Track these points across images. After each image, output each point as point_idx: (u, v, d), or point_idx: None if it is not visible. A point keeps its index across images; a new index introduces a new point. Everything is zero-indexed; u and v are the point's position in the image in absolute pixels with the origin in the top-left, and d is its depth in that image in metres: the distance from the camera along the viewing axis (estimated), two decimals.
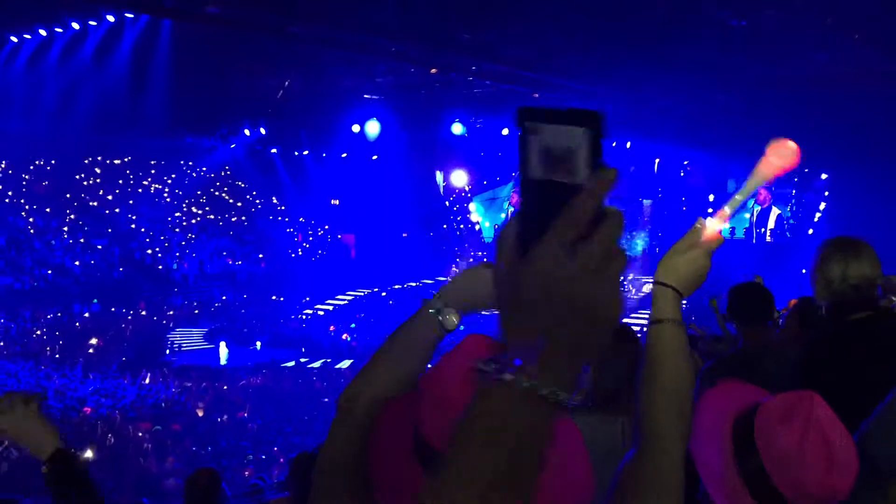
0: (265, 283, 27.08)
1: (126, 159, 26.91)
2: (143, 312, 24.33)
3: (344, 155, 26.76)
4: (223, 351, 21.98)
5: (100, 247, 25.15)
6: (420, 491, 0.71)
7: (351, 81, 19.57)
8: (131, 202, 26.89)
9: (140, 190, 27.43)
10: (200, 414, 17.49)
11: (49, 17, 16.97)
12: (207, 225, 28.28)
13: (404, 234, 28.94)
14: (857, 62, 15.25)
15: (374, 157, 26.44)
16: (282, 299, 26.75)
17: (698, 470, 1.48)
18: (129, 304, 24.03)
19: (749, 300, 3.67)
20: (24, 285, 22.83)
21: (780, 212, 26.45)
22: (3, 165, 24.69)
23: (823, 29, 13.73)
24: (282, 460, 13.73)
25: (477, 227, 30.63)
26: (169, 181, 27.89)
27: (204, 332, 24.36)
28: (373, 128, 21.68)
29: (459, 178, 29.19)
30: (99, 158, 26.50)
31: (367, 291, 27.92)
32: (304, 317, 26.47)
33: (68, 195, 25.67)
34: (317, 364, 22.39)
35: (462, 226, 30.77)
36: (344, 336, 24.72)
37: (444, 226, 30.62)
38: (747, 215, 25.81)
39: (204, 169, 27.58)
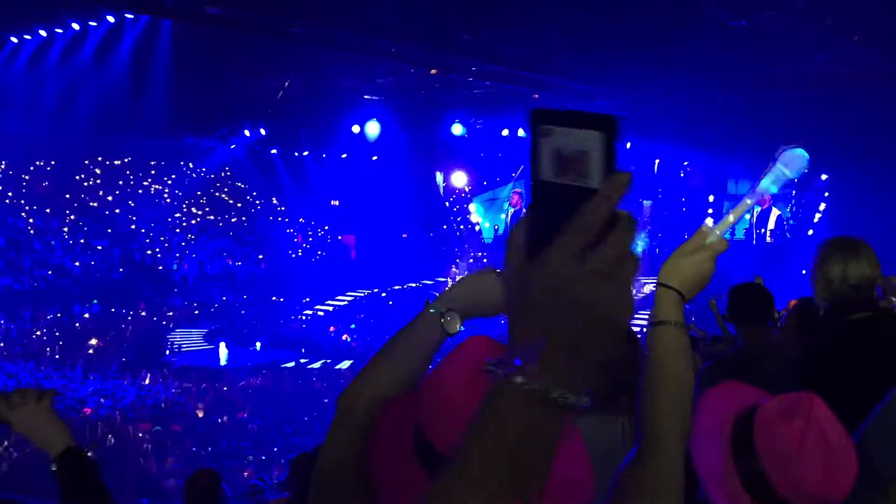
0: (265, 283, 27.07)
1: (126, 160, 26.90)
2: (143, 313, 24.33)
3: (344, 155, 26.75)
4: (223, 352, 21.98)
5: (100, 247, 25.15)
6: (424, 492, 0.71)
7: (351, 82, 19.56)
8: (131, 203, 26.89)
9: (140, 190, 27.43)
10: (200, 414, 17.49)
11: (49, 17, 16.97)
12: (207, 225, 28.27)
13: (404, 235, 28.94)
14: (857, 62, 15.25)
15: (374, 158, 26.44)
16: (282, 300, 26.75)
17: (697, 471, 1.48)
18: (129, 305, 24.03)
19: (749, 301, 3.67)
20: (23, 286, 22.82)
21: (779, 212, 26.45)
22: (2, 166, 24.69)
23: (823, 29, 13.73)
24: (282, 461, 13.73)
25: (477, 228, 30.63)
26: (169, 182, 27.88)
27: (204, 333, 24.35)
28: (373, 128, 21.67)
29: (459, 179, 29.19)
30: (99, 159, 26.50)
31: (366, 292, 27.92)
32: (303, 317, 26.46)
33: (68, 196, 25.67)
34: (317, 365, 22.39)
35: (462, 226, 30.76)
36: (344, 337, 24.72)
37: (444, 226, 30.62)
38: (747, 216, 25.81)
39: (204, 169, 27.57)
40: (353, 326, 25.42)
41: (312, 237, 29.86)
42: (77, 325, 22.82)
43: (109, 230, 25.83)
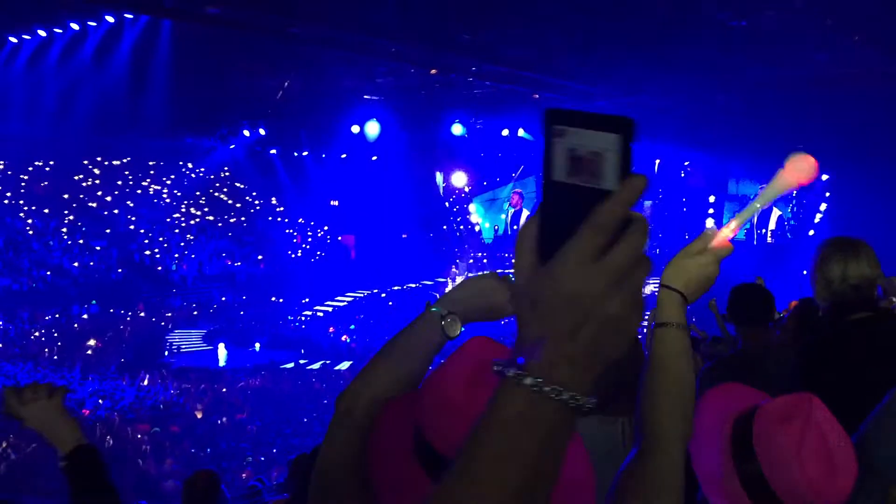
0: (264, 284, 27.06)
1: (125, 160, 26.87)
2: (142, 314, 24.32)
3: (344, 156, 26.74)
4: (222, 352, 21.97)
5: (98, 248, 25.12)
6: (427, 496, 0.70)
7: (351, 82, 19.57)
8: (130, 203, 26.86)
9: (139, 191, 27.40)
10: (199, 415, 17.49)
11: (48, 17, 16.97)
12: (206, 226, 28.25)
13: (404, 236, 28.93)
14: (857, 62, 15.26)
15: (374, 158, 26.43)
16: (281, 301, 26.75)
17: (696, 471, 1.48)
18: (127, 306, 24.01)
19: (750, 301, 3.66)
20: (22, 286, 22.80)
21: (780, 213, 26.44)
22: (1, 166, 24.68)
23: (823, 29, 13.74)
24: (281, 462, 13.73)
25: (477, 229, 30.62)
26: (168, 182, 27.86)
27: (203, 334, 24.34)
28: (372, 128, 21.67)
29: (459, 179, 29.19)
30: (98, 159, 26.47)
31: (366, 293, 27.91)
32: (303, 318, 26.46)
33: (67, 196, 25.65)
34: (316, 365, 22.39)
35: (462, 227, 30.76)
36: (343, 337, 24.72)
37: (444, 227, 30.61)
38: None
39: (203, 170, 27.55)
40: (352, 327, 25.42)
41: (312, 237, 29.85)
42: (76, 325, 22.80)
43: (108, 230, 25.81)
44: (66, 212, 25.43)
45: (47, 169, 25.59)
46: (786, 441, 1.39)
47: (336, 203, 29.41)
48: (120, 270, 25.05)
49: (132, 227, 26.61)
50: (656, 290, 1.40)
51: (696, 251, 1.40)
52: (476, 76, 18.30)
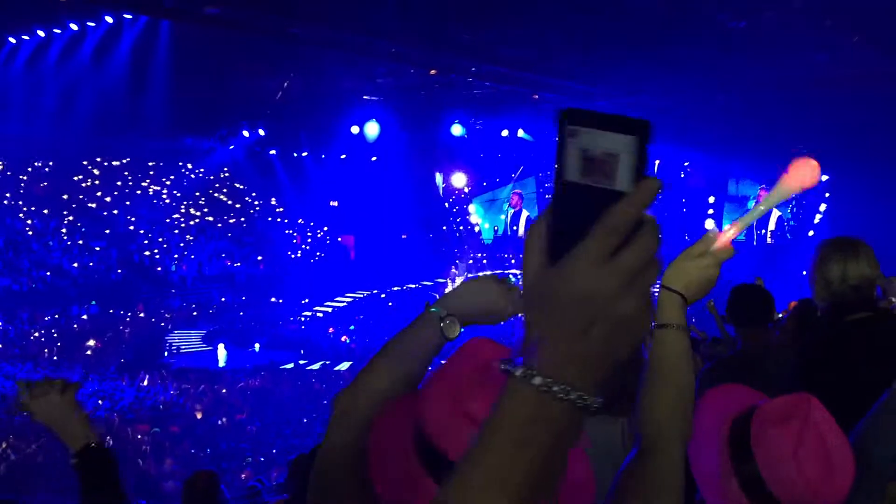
0: (264, 284, 27.05)
1: (124, 161, 26.86)
2: (142, 314, 24.30)
3: (343, 156, 26.73)
4: (222, 353, 21.96)
5: (98, 248, 25.11)
6: (436, 494, 0.70)
7: (350, 82, 19.56)
8: (130, 204, 26.85)
9: (139, 191, 27.38)
10: (199, 416, 17.48)
11: (47, 18, 16.96)
12: (206, 226, 28.24)
13: (403, 236, 28.91)
14: (857, 63, 15.25)
15: (374, 159, 26.42)
16: (281, 301, 26.73)
17: (694, 473, 1.48)
18: (127, 306, 23.99)
19: (749, 302, 3.66)
20: (21, 287, 22.79)
21: (780, 213, 26.42)
22: (1, 167, 24.67)
23: (823, 29, 13.74)
24: (281, 462, 13.73)
25: (476, 229, 30.60)
26: (168, 183, 27.84)
27: (202, 334, 24.32)
28: (372, 129, 21.66)
29: (459, 180, 29.16)
30: (97, 160, 26.46)
31: (366, 293, 27.89)
32: (303, 319, 26.44)
33: (66, 196, 25.63)
34: (316, 366, 22.38)
35: (461, 227, 30.73)
36: (343, 338, 24.71)
37: (444, 227, 30.59)
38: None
39: (203, 170, 27.53)
40: (352, 328, 25.41)
41: (311, 238, 29.83)
42: (75, 326, 22.79)
43: (108, 231, 25.80)
44: (65, 212, 25.42)
45: (47, 169, 25.59)
46: (783, 441, 1.39)
47: (336, 204, 29.39)
48: (119, 271, 25.04)
49: (132, 227, 26.59)
50: (656, 291, 1.41)
51: (698, 253, 1.40)
52: (476, 76, 18.29)
